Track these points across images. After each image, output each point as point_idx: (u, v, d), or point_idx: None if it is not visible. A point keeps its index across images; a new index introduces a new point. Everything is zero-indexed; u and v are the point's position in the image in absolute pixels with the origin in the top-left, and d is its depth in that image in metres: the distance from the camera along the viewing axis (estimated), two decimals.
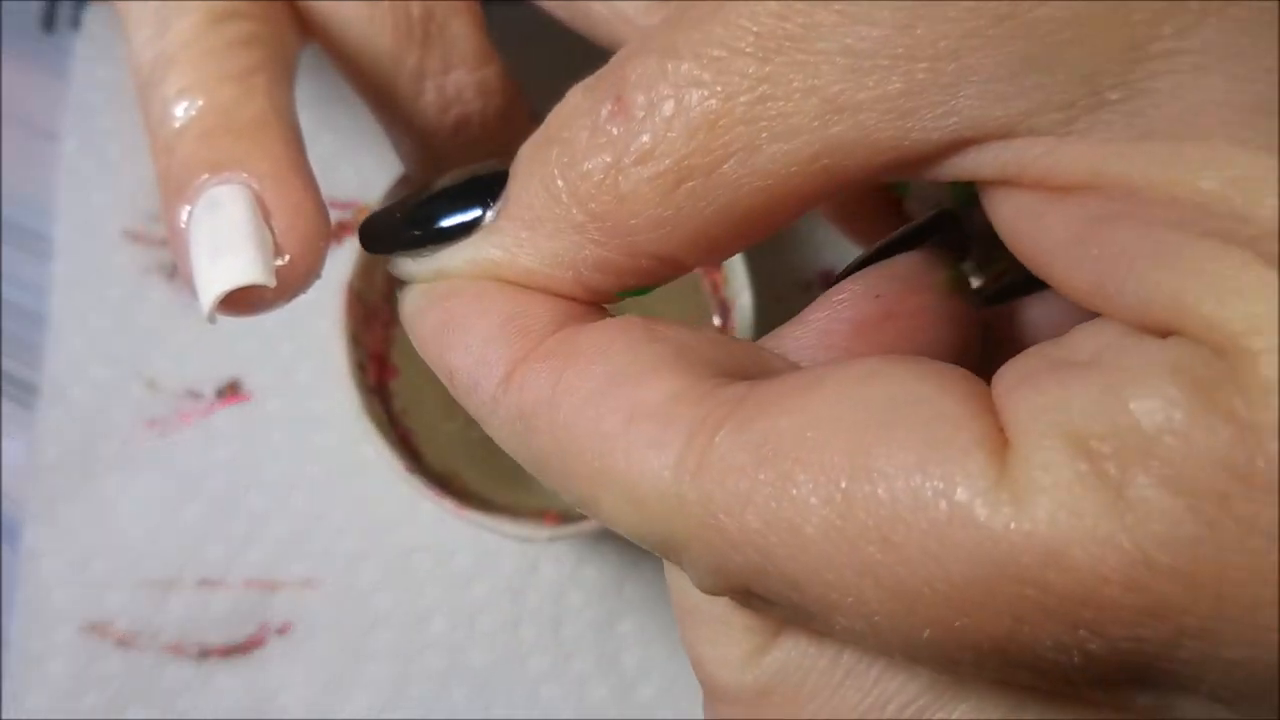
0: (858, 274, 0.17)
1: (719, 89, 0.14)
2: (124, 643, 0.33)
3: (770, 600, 0.14)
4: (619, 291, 0.16)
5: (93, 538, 0.34)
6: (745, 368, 0.15)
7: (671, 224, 0.15)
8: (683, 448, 0.14)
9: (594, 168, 0.15)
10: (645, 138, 0.15)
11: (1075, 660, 0.12)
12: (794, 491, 0.13)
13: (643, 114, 0.15)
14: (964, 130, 0.14)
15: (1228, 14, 0.12)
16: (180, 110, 0.19)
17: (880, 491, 0.13)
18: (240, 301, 0.18)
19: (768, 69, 0.14)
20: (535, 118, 0.28)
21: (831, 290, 0.17)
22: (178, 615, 0.33)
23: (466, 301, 0.16)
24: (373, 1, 0.23)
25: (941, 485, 0.12)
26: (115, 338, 0.36)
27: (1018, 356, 0.14)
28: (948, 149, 0.14)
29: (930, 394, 0.13)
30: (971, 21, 0.13)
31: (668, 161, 0.15)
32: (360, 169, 0.37)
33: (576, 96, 0.16)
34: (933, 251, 0.17)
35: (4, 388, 0.35)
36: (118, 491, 0.34)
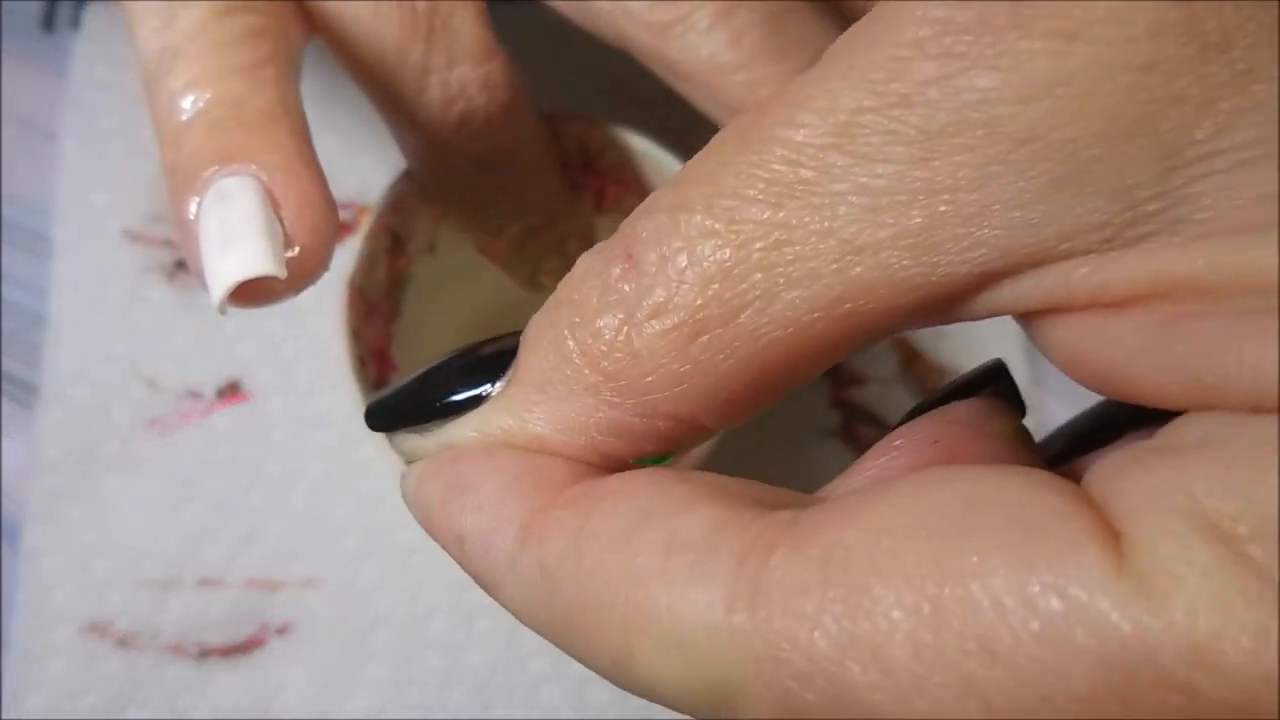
0: (913, 421, 0.16)
1: (733, 237, 0.14)
2: (124, 643, 0.33)
3: None
4: (636, 459, 0.15)
5: (93, 538, 0.34)
6: (787, 502, 0.14)
7: (689, 380, 0.14)
8: (732, 575, 0.12)
9: (605, 326, 0.14)
10: (659, 292, 0.14)
11: None
12: (872, 607, 0.11)
13: (654, 269, 0.14)
14: (994, 262, 0.13)
15: (1261, 105, 0.12)
16: (188, 103, 0.19)
17: (978, 594, 0.11)
18: (250, 293, 0.18)
19: (781, 214, 0.13)
20: (540, 114, 0.28)
21: (886, 438, 0.16)
22: (178, 615, 0.33)
23: (476, 462, 0.15)
24: None
25: (1052, 580, 0.11)
26: (115, 338, 0.35)
27: (1107, 453, 0.13)
28: (980, 282, 0.13)
29: (1018, 489, 0.12)
30: (991, 149, 0.12)
31: (682, 314, 0.14)
32: (360, 169, 0.37)
33: (587, 261, 0.15)
34: (990, 401, 0.16)
35: (4, 388, 0.35)
36: (118, 491, 0.34)
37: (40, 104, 0.38)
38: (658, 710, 0.34)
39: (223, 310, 0.18)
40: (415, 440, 0.17)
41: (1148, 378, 0.13)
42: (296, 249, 0.18)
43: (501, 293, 0.32)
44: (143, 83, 0.20)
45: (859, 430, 0.36)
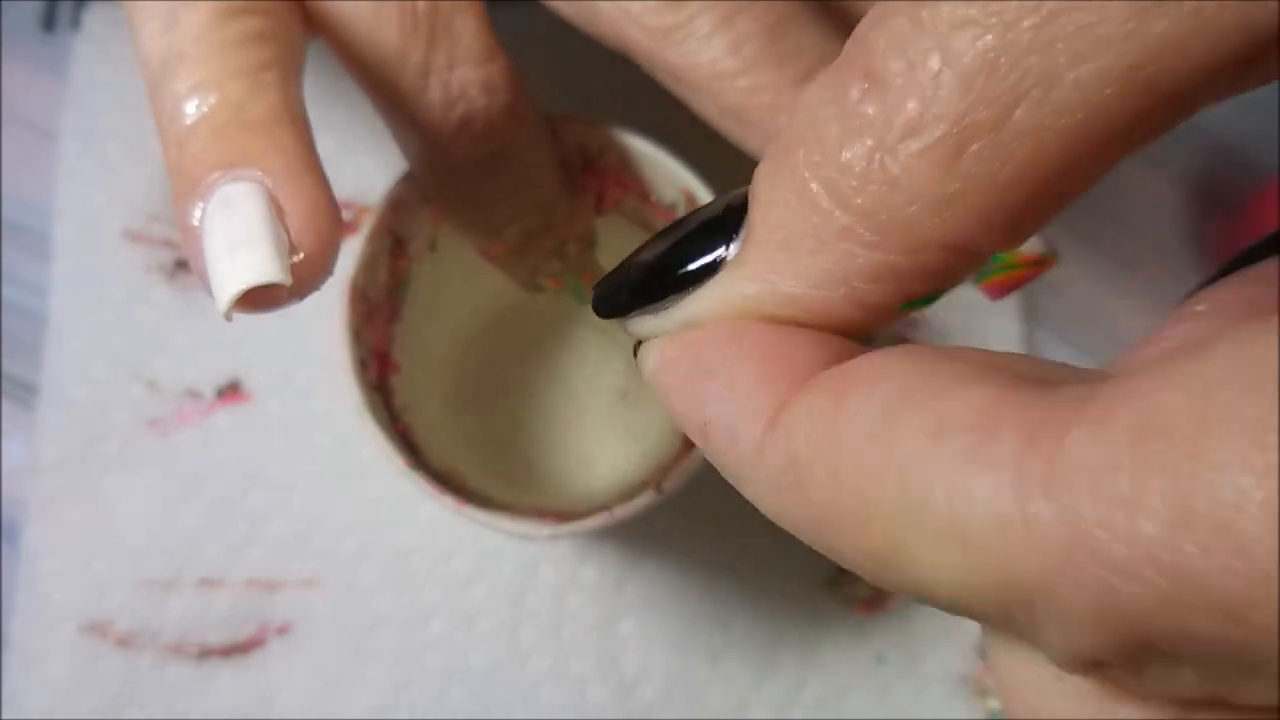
0: (1216, 284, 0.14)
1: (993, 20, 0.11)
2: (124, 643, 0.33)
3: (1181, 658, 0.10)
4: (903, 304, 0.14)
5: (93, 538, 0.34)
6: (1071, 379, 0.12)
7: (961, 200, 0.12)
8: (1021, 458, 0.11)
9: (854, 157, 0.13)
10: (911, 105, 0.12)
11: None
12: (1211, 477, 0.09)
13: (902, 80, 0.12)
14: None
15: None
16: (191, 107, 0.19)
17: None
18: (255, 299, 0.18)
19: None
20: (540, 116, 0.28)
21: (1185, 305, 0.14)
22: (178, 615, 0.33)
23: (721, 344, 0.14)
24: None
25: None
26: (115, 338, 0.36)
27: None
28: None
29: None
30: None
31: (945, 124, 0.12)
32: (360, 169, 0.37)
33: (814, 91, 0.13)
34: None
35: (4, 388, 0.35)
36: (118, 491, 0.34)
37: (40, 104, 0.38)
38: (658, 710, 0.34)
39: (228, 317, 0.18)
40: (652, 321, 0.15)
41: None
42: (301, 254, 0.18)
43: (502, 293, 0.32)
44: (146, 84, 0.20)
45: None
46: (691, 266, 0.15)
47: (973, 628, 0.34)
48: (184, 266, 0.36)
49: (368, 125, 0.36)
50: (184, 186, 0.19)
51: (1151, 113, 0.12)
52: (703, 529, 0.35)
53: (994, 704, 0.34)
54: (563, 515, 0.27)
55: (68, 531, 0.34)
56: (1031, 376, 0.12)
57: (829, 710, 0.34)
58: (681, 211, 0.29)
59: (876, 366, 0.13)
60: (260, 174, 0.18)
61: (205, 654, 0.33)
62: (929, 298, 0.14)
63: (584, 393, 0.35)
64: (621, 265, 0.16)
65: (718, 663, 0.34)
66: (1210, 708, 0.11)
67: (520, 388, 0.35)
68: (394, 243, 0.29)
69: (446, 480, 0.28)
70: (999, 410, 0.11)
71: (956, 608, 0.12)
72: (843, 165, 0.13)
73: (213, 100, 0.19)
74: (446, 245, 0.30)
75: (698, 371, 0.14)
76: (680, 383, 0.14)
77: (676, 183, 0.29)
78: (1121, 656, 0.11)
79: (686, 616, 0.34)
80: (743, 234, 0.14)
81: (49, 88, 0.38)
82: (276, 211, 0.18)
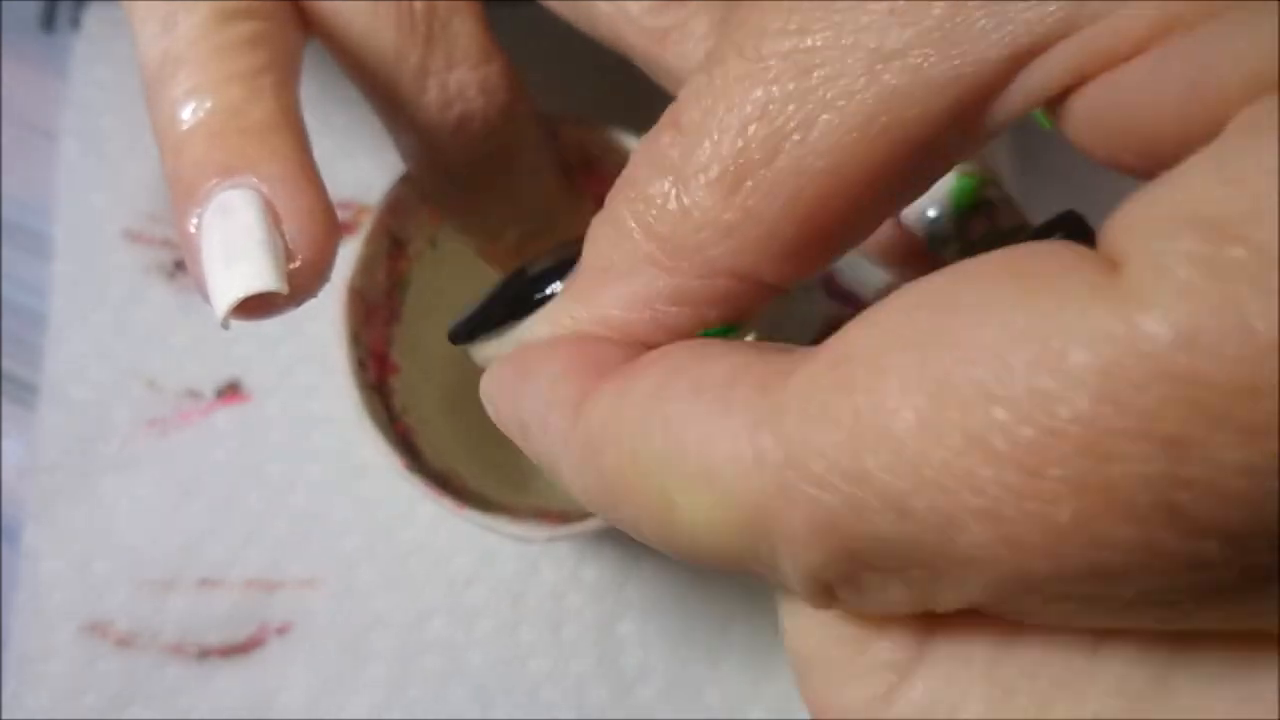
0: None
1: (764, 74, 0.14)
2: (124, 643, 0.33)
3: (882, 569, 0.12)
4: (702, 330, 0.16)
5: (93, 538, 0.34)
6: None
7: (740, 229, 0.14)
8: (755, 400, 0.12)
9: (657, 191, 0.15)
10: (704, 146, 0.14)
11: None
12: (877, 390, 0.11)
13: (697, 125, 0.14)
14: (1021, 39, 0.13)
15: None
16: (188, 111, 0.19)
17: (973, 348, 0.11)
18: (252, 307, 0.18)
19: (807, 40, 0.13)
20: (540, 117, 0.28)
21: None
22: (178, 615, 0.33)
23: (539, 352, 0.16)
24: None
25: (1042, 309, 0.10)
26: (115, 338, 0.36)
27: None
28: (1011, 68, 0.13)
29: (1018, 253, 0.11)
30: None
31: (725, 161, 0.14)
32: (360, 169, 0.37)
33: (639, 142, 0.16)
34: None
35: (4, 388, 0.35)
36: (118, 491, 0.34)
37: (40, 104, 0.38)
38: (658, 710, 0.34)
39: (225, 325, 0.18)
40: (493, 346, 0.17)
41: (1151, 110, 0.12)
42: (299, 262, 0.18)
43: None
44: (144, 87, 0.20)
45: None
46: (534, 298, 0.17)
47: None
48: (184, 266, 0.36)
49: (367, 125, 0.36)
50: (181, 193, 0.19)
51: (896, 159, 0.14)
52: None
53: None
54: (561, 517, 0.27)
55: (68, 531, 0.34)
56: (785, 350, 0.13)
57: None
58: None
59: (659, 354, 0.14)
60: (257, 181, 0.18)
61: (205, 654, 0.33)
62: (728, 329, 0.16)
63: None
64: (473, 306, 0.18)
65: (717, 663, 0.34)
66: (947, 629, 0.13)
67: None
68: (392, 244, 0.29)
69: (446, 481, 0.28)
70: (745, 370, 0.13)
71: (723, 564, 0.13)
72: (648, 198, 0.15)
73: (209, 105, 0.19)
74: (446, 243, 0.30)
75: (519, 377, 0.16)
76: (504, 388, 0.16)
77: None
78: (840, 575, 0.12)
79: (686, 616, 0.34)
80: (577, 266, 0.16)
81: (49, 88, 0.38)
82: (273, 218, 0.18)
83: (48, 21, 0.39)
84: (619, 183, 0.16)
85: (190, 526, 0.34)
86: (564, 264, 0.16)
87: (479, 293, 0.29)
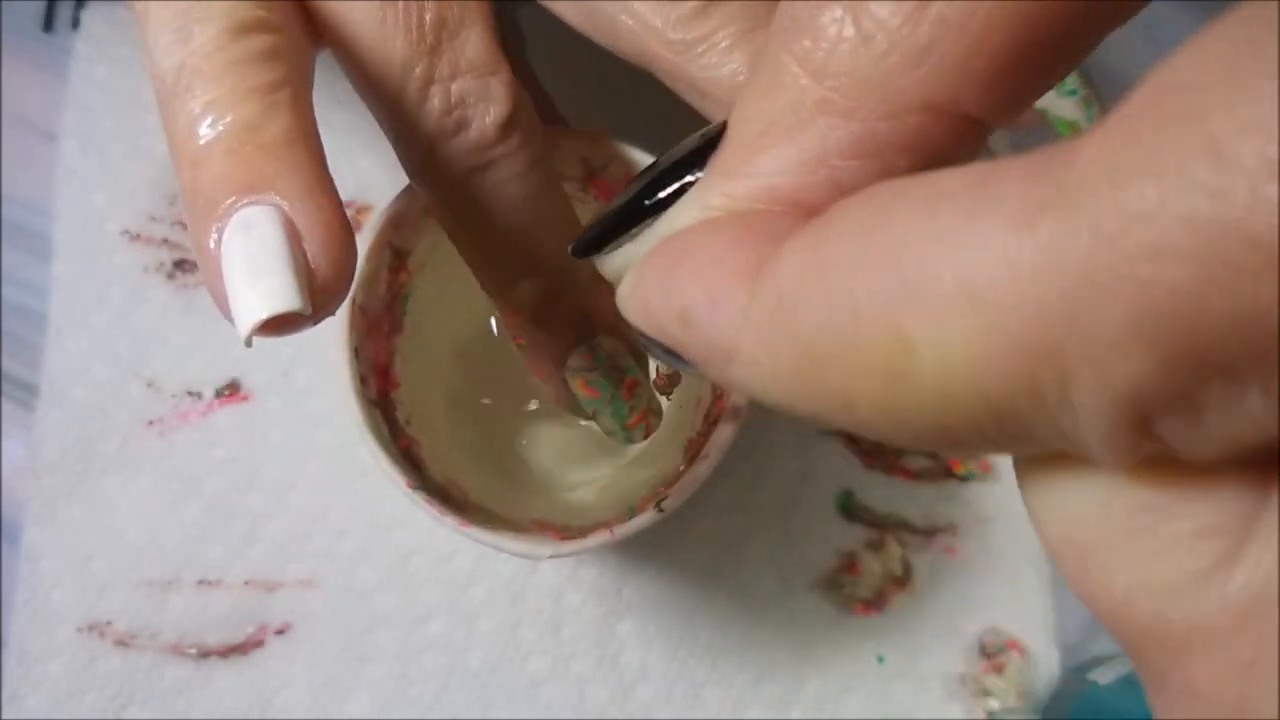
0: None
1: None
2: (124, 643, 0.33)
3: (1239, 369, 0.09)
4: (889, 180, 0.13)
5: (93, 538, 0.34)
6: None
7: (935, 49, 0.12)
8: (1028, 185, 0.10)
9: (827, 20, 0.12)
10: None
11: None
12: (1246, 110, 0.08)
13: None
14: None
15: None
16: (205, 126, 0.19)
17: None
18: (275, 325, 0.18)
19: None
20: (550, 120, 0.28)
21: None
22: (178, 615, 0.33)
23: (695, 232, 0.13)
24: (385, 6, 0.23)
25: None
26: (115, 338, 0.36)
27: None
28: None
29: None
30: None
31: None
32: (360, 169, 0.37)
33: None
34: None
35: (4, 388, 0.35)
36: (118, 491, 0.34)
37: (40, 104, 0.38)
38: (657, 710, 0.34)
39: (249, 343, 0.18)
40: (626, 251, 0.15)
41: None
42: (319, 280, 0.18)
43: None
44: (157, 97, 0.20)
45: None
46: (662, 195, 0.14)
47: (971, 628, 0.34)
48: (183, 267, 0.36)
49: (368, 125, 0.36)
50: (201, 209, 0.19)
51: None
52: (702, 530, 0.35)
53: (993, 704, 0.34)
54: (564, 532, 0.27)
55: (68, 531, 0.34)
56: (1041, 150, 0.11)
57: (827, 710, 0.34)
58: None
59: (855, 196, 0.12)
60: (277, 198, 0.18)
61: (205, 654, 0.33)
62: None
63: None
64: (598, 216, 0.16)
65: (716, 663, 0.34)
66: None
67: (521, 395, 0.35)
68: (393, 257, 0.29)
69: (448, 494, 0.28)
70: (994, 171, 0.10)
71: (969, 413, 0.10)
72: (816, 31, 0.13)
73: (227, 120, 0.19)
74: (447, 259, 0.30)
75: (672, 262, 0.13)
76: (652, 280, 0.13)
77: None
78: (1173, 391, 0.09)
79: (685, 617, 0.34)
80: (717, 150, 0.14)
81: (49, 88, 0.38)
82: (293, 236, 0.18)
83: (48, 22, 0.39)
84: (773, 31, 0.13)
85: (190, 526, 0.34)
86: (702, 149, 0.14)
87: (480, 297, 0.29)
